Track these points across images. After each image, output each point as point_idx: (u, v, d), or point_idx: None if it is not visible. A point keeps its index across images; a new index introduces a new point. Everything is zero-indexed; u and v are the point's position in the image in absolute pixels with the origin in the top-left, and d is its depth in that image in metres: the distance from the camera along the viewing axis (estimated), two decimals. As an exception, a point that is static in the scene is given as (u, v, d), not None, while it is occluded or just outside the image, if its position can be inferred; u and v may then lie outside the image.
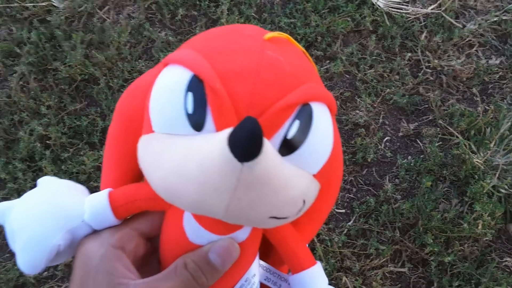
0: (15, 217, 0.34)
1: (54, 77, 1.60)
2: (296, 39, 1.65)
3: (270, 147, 0.28)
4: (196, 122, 0.30)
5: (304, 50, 0.38)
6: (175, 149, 0.30)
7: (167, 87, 0.31)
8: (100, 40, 1.67)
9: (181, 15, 1.73)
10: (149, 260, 0.37)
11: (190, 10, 1.77)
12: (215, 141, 0.28)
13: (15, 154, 1.44)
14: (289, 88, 0.31)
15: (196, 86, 0.30)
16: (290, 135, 0.30)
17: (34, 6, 1.77)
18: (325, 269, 1.21)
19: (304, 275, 0.38)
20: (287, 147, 0.30)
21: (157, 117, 0.31)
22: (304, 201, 0.32)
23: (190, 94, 0.30)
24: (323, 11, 1.72)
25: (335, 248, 1.26)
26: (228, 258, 0.34)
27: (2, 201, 0.38)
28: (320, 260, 1.24)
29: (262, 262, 0.40)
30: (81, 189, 0.39)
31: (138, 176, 0.37)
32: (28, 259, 0.34)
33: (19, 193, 1.38)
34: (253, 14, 1.72)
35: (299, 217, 0.35)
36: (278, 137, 0.30)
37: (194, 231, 0.34)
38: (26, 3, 1.78)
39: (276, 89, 0.30)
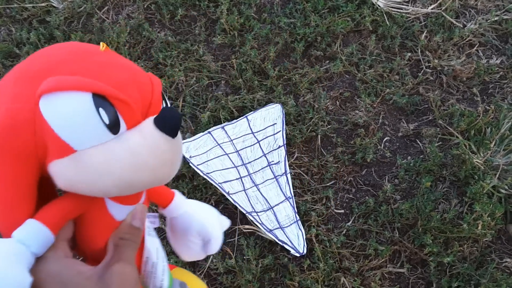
0: None
1: (53, 78, 1.60)
2: (296, 39, 1.65)
3: None
4: (115, 128, 0.37)
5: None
6: (117, 153, 0.37)
7: (75, 112, 0.35)
8: (99, 40, 1.67)
9: (181, 15, 1.72)
10: None
11: (189, 10, 1.77)
12: (147, 133, 0.38)
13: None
14: (150, 82, 0.42)
15: (101, 101, 0.36)
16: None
17: (33, 7, 1.77)
18: (323, 270, 1.21)
19: (175, 203, 0.55)
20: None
21: (77, 138, 0.36)
22: None
23: (101, 109, 0.36)
24: (323, 11, 1.72)
25: (333, 248, 1.26)
26: (142, 217, 0.45)
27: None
28: (319, 260, 1.23)
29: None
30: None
31: (37, 202, 0.40)
32: None
33: None
34: (252, 14, 1.72)
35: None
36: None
37: (118, 211, 0.44)
38: (26, 3, 1.79)
39: (147, 86, 0.41)
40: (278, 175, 1.39)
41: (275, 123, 1.46)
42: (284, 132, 1.45)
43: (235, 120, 1.48)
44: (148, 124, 0.38)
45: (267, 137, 1.45)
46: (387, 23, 1.67)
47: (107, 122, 0.36)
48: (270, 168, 1.40)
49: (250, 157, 1.43)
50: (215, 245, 0.59)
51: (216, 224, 0.58)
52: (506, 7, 1.71)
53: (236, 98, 1.53)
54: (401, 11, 1.70)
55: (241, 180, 1.38)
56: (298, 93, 1.55)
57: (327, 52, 1.63)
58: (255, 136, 1.46)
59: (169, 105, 0.43)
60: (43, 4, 1.78)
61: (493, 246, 1.26)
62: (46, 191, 0.41)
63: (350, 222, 1.32)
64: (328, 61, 1.63)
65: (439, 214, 1.27)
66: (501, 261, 1.24)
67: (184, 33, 1.72)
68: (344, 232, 1.30)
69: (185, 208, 0.56)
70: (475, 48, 1.62)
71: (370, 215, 1.32)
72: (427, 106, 1.52)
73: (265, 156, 1.43)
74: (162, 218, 0.61)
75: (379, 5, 1.70)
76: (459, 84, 1.55)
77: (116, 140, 0.37)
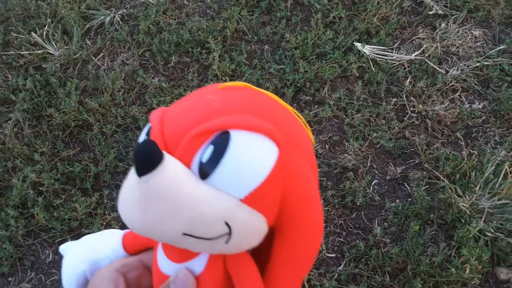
0: (65, 251, 0.51)
1: (48, 123, 1.63)
2: (285, 84, 1.71)
3: (172, 165, 0.32)
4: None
5: (276, 97, 0.41)
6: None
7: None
8: (94, 87, 1.71)
9: (174, 61, 1.78)
10: None
11: (182, 56, 1.83)
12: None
13: (7, 201, 1.45)
14: (209, 117, 0.35)
15: (147, 131, 0.37)
16: (204, 159, 0.34)
17: (30, 54, 1.82)
18: (316, 315, 1.22)
19: None
20: (203, 170, 0.34)
21: None
22: (227, 224, 0.34)
23: (145, 135, 0.37)
24: (311, 58, 1.78)
25: (325, 293, 1.27)
26: (182, 284, 0.37)
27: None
28: (311, 305, 1.24)
29: None
30: (117, 232, 0.50)
31: None
32: (64, 279, 0.48)
33: (10, 240, 1.39)
34: (243, 60, 1.78)
35: (271, 261, 0.38)
36: (195, 161, 0.34)
37: (162, 260, 0.39)
38: (22, 51, 1.83)
39: (196, 119, 0.35)
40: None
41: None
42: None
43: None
44: None
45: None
46: (373, 69, 1.73)
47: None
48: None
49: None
50: None
51: None
52: (486, 53, 1.79)
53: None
54: (386, 58, 1.78)
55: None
56: (289, 138, 1.59)
57: (316, 97, 1.69)
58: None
59: (232, 155, 0.34)
60: (39, 52, 1.82)
61: (481, 289, 1.29)
62: None
63: (342, 266, 1.34)
64: (317, 106, 1.68)
65: (428, 257, 1.30)
66: (489, 304, 1.26)
67: (178, 79, 1.77)
68: (335, 276, 1.32)
69: None
70: (458, 94, 1.68)
71: (361, 259, 1.34)
72: (413, 149, 1.57)
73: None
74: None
75: (364, 52, 1.77)
76: (444, 128, 1.61)
77: None
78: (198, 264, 0.38)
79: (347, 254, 1.36)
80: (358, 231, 1.42)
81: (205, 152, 0.34)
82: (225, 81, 1.73)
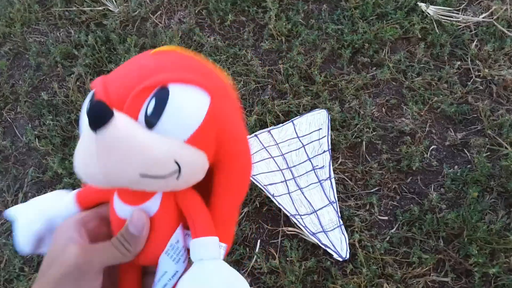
0: (16, 214, 0.50)
1: (108, 78, 1.68)
2: (343, 45, 1.66)
3: (121, 119, 0.38)
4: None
5: (199, 57, 0.46)
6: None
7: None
8: (152, 44, 1.74)
9: (230, 20, 1.77)
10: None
11: (238, 15, 1.82)
12: (85, 123, 0.38)
13: (71, 151, 1.52)
14: (147, 77, 0.40)
15: (92, 96, 0.41)
16: (149, 112, 0.39)
17: (91, 10, 1.86)
18: (366, 275, 1.22)
19: (194, 242, 0.43)
20: (149, 121, 0.39)
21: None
22: (177, 163, 0.39)
23: (89, 101, 0.41)
24: (371, 18, 1.72)
25: (377, 254, 1.26)
26: (141, 225, 0.42)
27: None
28: (362, 266, 1.24)
29: (188, 231, 0.46)
30: (66, 193, 0.52)
31: None
32: (19, 240, 0.48)
33: (73, 187, 1.46)
34: (300, 20, 1.75)
35: (213, 192, 0.45)
36: (142, 114, 0.39)
37: (118, 206, 0.44)
38: (84, 7, 1.88)
39: (136, 80, 0.40)
40: (322, 180, 1.41)
41: (321, 128, 1.48)
42: (329, 137, 1.47)
43: (281, 124, 1.51)
44: None
45: (312, 141, 1.48)
46: (437, 31, 1.66)
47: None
48: (315, 172, 1.42)
49: (295, 161, 1.46)
50: None
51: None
52: (561, 16, 1.67)
53: (282, 103, 1.56)
54: (451, 19, 1.69)
55: (286, 183, 1.41)
56: (344, 99, 1.57)
57: (374, 59, 1.64)
58: (300, 141, 1.49)
59: (172, 105, 0.40)
60: (100, 8, 1.86)
61: (541, 260, 1.24)
62: None
63: (394, 229, 1.33)
64: (375, 68, 1.63)
65: (485, 225, 1.26)
66: (550, 276, 1.21)
67: (233, 38, 1.77)
68: (387, 238, 1.30)
69: (196, 259, 0.43)
70: (527, 58, 1.59)
71: (415, 223, 1.32)
72: (475, 115, 1.50)
73: (310, 160, 1.45)
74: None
75: (428, 13, 1.69)
76: (510, 94, 1.52)
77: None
78: (153, 205, 0.43)
79: (400, 217, 1.33)
80: (413, 195, 1.39)
81: (149, 106, 0.39)
82: (281, 41, 1.71)
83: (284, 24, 1.72)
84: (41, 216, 0.49)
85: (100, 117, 0.36)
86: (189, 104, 0.40)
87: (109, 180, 0.39)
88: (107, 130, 0.36)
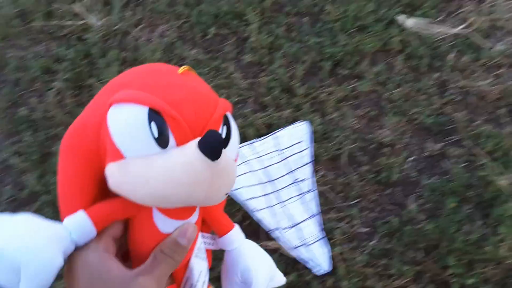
0: (16, 250, 0.38)
1: (89, 93, 1.68)
2: (323, 58, 1.68)
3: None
4: (163, 142, 0.40)
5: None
6: (156, 166, 0.40)
7: (130, 122, 0.40)
8: (134, 58, 1.74)
9: (212, 34, 1.78)
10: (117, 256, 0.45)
11: (221, 29, 1.83)
12: (188, 152, 0.39)
13: (50, 167, 1.51)
14: (213, 105, 0.44)
15: (155, 116, 0.40)
16: (223, 136, 0.44)
17: (72, 25, 1.86)
18: (346, 288, 1.23)
19: (230, 235, 0.53)
20: (224, 145, 0.44)
21: (128, 146, 0.40)
22: None
23: (153, 123, 0.40)
24: (351, 30, 1.75)
25: (357, 267, 1.28)
26: (191, 237, 0.45)
27: (36, 213, 0.46)
28: (343, 279, 1.25)
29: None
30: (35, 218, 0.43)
31: (97, 197, 0.45)
32: (38, 284, 0.38)
33: (53, 204, 1.45)
34: (281, 32, 1.76)
35: None
36: None
37: (163, 223, 0.45)
38: (65, 21, 1.87)
39: (208, 108, 0.43)
40: (303, 192, 1.42)
41: (302, 141, 1.50)
42: (312, 149, 1.48)
43: (262, 137, 1.52)
44: (193, 144, 0.40)
45: (293, 154, 1.49)
46: (415, 43, 1.68)
47: (155, 135, 0.40)
48: (296, 185, 1.44)
49: (276, 174, 1.47)
50: None
51: (263, 273, 0.55)
52: (536, 27, 1.70)
53: (264, 116, 1.57)
54: (430, 31, 1.72)
55: (267, 196, 1.42)
56: (325, 111, 1.58)
57: (355, 71, 1.66)
58: (281, 154, 1.50)
59: (234, 130, 0.46)
60: (81, 22, 1.86)
61: (518, 270, 1.26)
62: (110, 192, 0.43)
63: (374, 241, 1.34)
64: (355, 80, 1.65)
65: (463, 235, 1.28)
66: (526, 285, 1.23)
67: (215, 51, 1.78)
68: (368, 251, 1.32)
69: (238, 245, 0.54)
70: (503, 69, 1.62)
71: (394, 234, 1.33)
72: (453, 126, 1.52)
73: (292, 173, 1.46)
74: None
75: (407, 25, 1.72)
76: (486, 105, 1.55)
77: (161, 154, 0.40)
78: (194, 216, 0.47)
79: (380, 229, 1.35)
80: (392, 207, 1.40)
81: (223, 131, 0.44)
82: (263, 54, 1.73)
83: (265, 37, 1.74)
84: (58, 249, 0.40)
85: (219, 147, 0.39)
86: (236, 129, 0.47)
87: (206, 202, 0.43)
88: (222, 157, 0.40)
